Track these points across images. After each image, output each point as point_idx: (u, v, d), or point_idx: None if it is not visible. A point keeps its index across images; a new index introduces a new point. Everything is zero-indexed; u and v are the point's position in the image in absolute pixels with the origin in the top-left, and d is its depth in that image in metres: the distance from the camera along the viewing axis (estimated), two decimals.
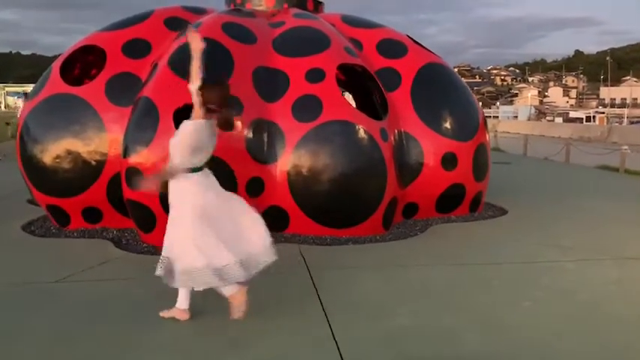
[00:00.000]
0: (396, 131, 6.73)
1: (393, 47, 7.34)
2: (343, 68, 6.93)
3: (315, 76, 6.31)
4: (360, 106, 7.82)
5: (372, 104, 7.12)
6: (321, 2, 8.42)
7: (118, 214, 6.26)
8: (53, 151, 6.24)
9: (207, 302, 3.97)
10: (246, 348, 3.47)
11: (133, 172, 5.55)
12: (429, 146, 6.81)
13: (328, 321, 3.87)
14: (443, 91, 7.20)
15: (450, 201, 7.11)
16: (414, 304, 4.25)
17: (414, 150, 6.78)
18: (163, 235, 3.74)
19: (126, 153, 5.74)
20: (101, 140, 6.21)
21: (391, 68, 7.08)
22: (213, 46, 6.11)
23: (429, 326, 3.83)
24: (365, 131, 6.15)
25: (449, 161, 6.87)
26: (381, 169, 6.20)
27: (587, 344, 3.58)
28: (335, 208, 6.11)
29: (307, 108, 6.10)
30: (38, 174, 6.37)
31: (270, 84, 6.22)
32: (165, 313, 3.83)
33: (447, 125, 6.95)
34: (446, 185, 6.94)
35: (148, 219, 5.66)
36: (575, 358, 3.40)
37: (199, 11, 7.44)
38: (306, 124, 6.05)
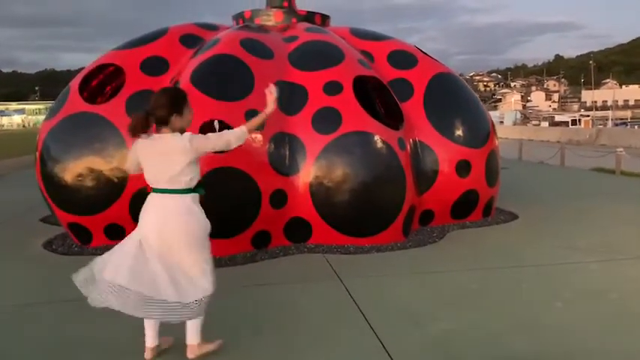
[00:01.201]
0: (411, 140, 6.88)
1: (403, 58, 7.51)
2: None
3: (333, 88, 6.44)
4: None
5: (377, 115, 7.25)
6: (328, 16, 8.58)
7: None
8: (75, 169, 6.27)
9: (248, 322, 4.02)
10: None
11: None
12: (443, 154, 6.96)
13: (372, 328, 3.95)
14: (454, 100, 7.37)
15: (464, 207, 7.26)
16: (451, 309, 4.35)
17: (428, 158, 6.92)
18: None
19: None
20: (123, 157, 6.23)
21: (403, 79, 7.24)
22: (234, 63, 6.25)
23: (472, 329, 3.93)
24: (383, 141, 6.28)
25: (463, 168, 7.03)
26: (400, 178, 6.33)
27: (632, 342, 3.69)
28: (357, 218, 6.21)
29: (327, 120, 6.23)
30: (60, 192, 6.39)
31: (290, 97, 6.32)
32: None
33: (460, 133, 7.11)
34: (460, 192, 7.09)
35: None
36: (628, 357, 3.52)
37: (213, 28, 7.56)
38: (327, 136, 6.17)
